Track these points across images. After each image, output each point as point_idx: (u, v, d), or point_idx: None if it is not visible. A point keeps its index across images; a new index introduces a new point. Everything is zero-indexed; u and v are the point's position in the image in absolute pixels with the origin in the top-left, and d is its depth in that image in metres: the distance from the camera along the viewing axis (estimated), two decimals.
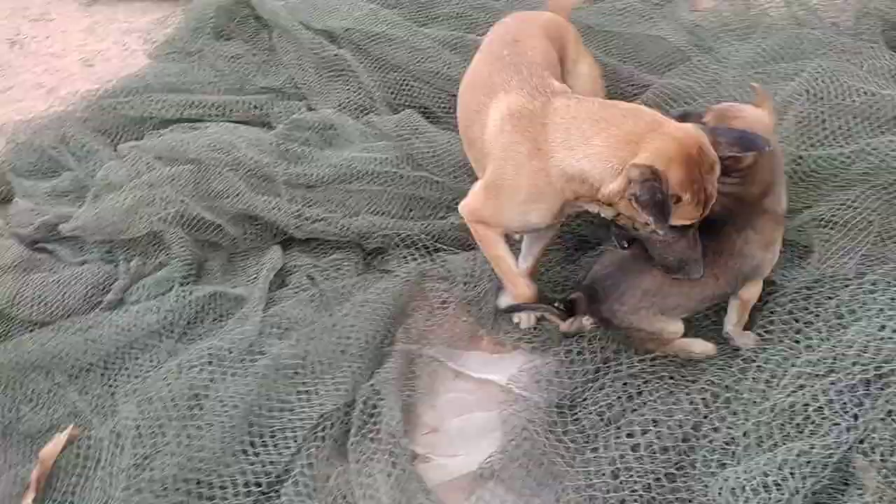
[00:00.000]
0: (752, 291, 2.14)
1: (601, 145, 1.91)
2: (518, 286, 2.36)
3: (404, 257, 2.79)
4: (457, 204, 2.80)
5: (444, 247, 2.82)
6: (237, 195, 2.86)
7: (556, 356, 2.38)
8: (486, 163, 2.20)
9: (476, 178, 2.37)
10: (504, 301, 2.55)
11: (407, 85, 3.45)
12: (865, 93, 2.64)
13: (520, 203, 2.12)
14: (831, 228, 2.28)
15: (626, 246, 2.08)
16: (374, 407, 2.23)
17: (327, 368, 2.31)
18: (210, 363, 2.28)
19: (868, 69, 2.88)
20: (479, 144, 2.25)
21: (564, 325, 2.26)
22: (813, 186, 2.46)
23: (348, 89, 3.50)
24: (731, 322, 2.19)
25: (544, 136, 2.00)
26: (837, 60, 2.92)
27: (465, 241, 2.82)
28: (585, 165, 1.93)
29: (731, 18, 3.78)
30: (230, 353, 2.31)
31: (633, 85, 3.22)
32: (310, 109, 3.50)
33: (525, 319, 2.58)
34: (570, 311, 2.22)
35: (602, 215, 2.09)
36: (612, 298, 2.08)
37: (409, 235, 2.81)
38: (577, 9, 3.69)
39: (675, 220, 1.87)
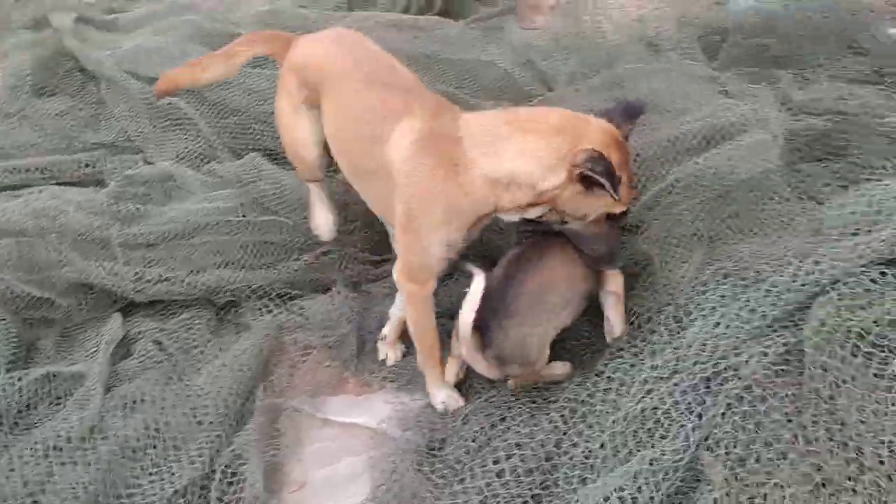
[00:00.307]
0: (618, 282, 2.22)
1: (531, 144, 1.92)
2: (436, 368, 2.31)
3: (259, 309, 2.69)
4: (309, 245, 2.77)
5: (300, 292, 2.74)
6: (67, 264, 2.65)
7: (423, 393, 2.36)
8: (391, 194, 2.13)
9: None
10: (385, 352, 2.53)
11: (248, 128, 3.37)
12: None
13: (438, 225, 2.05)
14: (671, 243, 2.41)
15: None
16: (235, 474, 2.10)
17: (182, 442, 2.17)
18: (47, 455, 2.08)
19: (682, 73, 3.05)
20: (380, 176, 2.16)
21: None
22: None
23: (186, 138, 3.37)
24: (618, 323, 2.24)
25: (460, 150, 1.97)
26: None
27: (320, 284, 2.76)
28: (516, 166, 1.93)
29: (561, 35, 3.94)
30: (69, 441, 2.12)
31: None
32: (147, 163, 3.34)
33: (391, 356, 2.54)
34: None
35: (526, 217, 2.10)
36: (500, 314, 2.06)
37: (260, 286, 2.72)
38: (416, 38, 3.76)
39: (609, 206, 2.00)
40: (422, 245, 2.09)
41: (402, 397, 2.44)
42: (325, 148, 2.53)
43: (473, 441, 2.04)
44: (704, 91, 3.04)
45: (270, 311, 2.67)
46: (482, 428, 2.07)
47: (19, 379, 2.32)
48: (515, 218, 2.11)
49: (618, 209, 2.04)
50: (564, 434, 1.97)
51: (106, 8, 4.87)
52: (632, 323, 2.18)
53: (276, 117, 2.64)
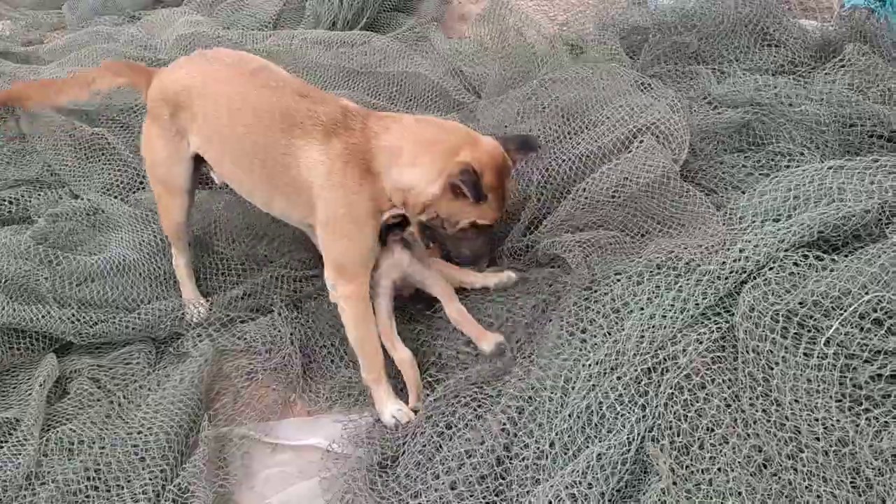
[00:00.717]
0: (473, 278, 2.54)
1: (428, 163, 2.20)
2: (381, 381, 2.34)
3: (198, 335, 2.63)
4: (240, 266, 2.73)
5: (240, 316, 2.70)
6: None
7: (373, 409, 2.35)
8: (301, 199, 2.28)
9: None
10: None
11: None
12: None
13: (364, 222, 2.25)
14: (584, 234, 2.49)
15: (429, 245, 2.48)
16: None
17: (124, 481, 2.10)
18: None
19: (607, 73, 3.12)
20: (293, 183, 2.26)
21: None
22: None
23: (112, 169, 3.28)
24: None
25: (373, 160, 2.21)
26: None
27: (258, 307, 2.72)
28: (415, 179, 2.21)
29: (487, 43, 3.99)
30: (5, 490, 2.03)
31: None
32: (73, 196, 3.24)
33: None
34: None
35: (421, 219, 2.35)
36: None
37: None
38: (343, 53, 3.76)
39: (478, 216, 2.27)
40: (351, 242, 2.26)
41: (351, 415, 2.42)
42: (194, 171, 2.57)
43: (422, 453, 2.03)
44: (625, 93, 3.10)
45: (210, 337, 2.62)
46: (431, 438, 2.06)
47: None
48: (423, 218, 2.33)
49: (484, 220, 2.30)
50: (515, 436, 1.98)
51: (23, 40, 4.74)
52: (575, 315, 2.20)
53: (147, 150, 2.57)
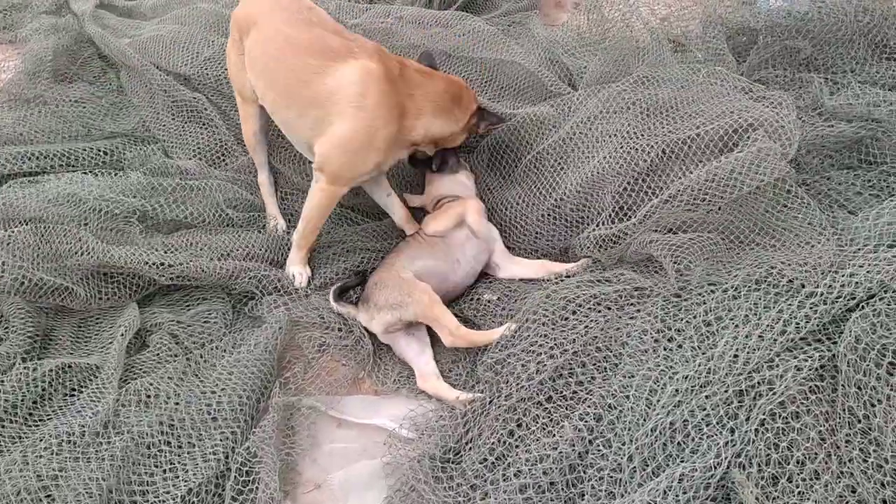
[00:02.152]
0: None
1: (452, 116, 2.71)
2: (303, 250, 2.78)
3: (274, 303, 2.65)
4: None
5: (317, 291, 2.71)
6: (86, 252, 2.60)
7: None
8: (322, 118, 2.52)
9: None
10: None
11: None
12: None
13: (378, 149, 2.53)
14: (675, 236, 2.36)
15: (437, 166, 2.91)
16: (249, 473, 2.07)
17: (196, 439, 2.13)
18: (60, 449, 2.04)
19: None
20: (312, 103, 2.53)
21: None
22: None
23: (205, 134, 3.33)
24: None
25: (411, 103, 2.57)
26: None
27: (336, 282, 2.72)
28: (443, 128, 2.71)
29: (586, 33, 3.86)
30: (83, 435, 2.08)
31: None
32: (166, 155, 3.30)
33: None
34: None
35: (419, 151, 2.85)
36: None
37: (277, 279, 2.70)
38: (437, 34, 3.70)
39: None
40: (357, 161, 2.55)
41: (419, 399, 2.40)
42: None
43: (492, 452, 1.98)
44: (726, 95, 2.95)
45: (286, 306, 2.63)
46: (501, 437, 2.00)
47: (34, 370, 2.28)
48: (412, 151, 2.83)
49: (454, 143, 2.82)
50: (590, 443, 1.91)
51: None
52: (662, 321, 2.12)
53: (228, 64, 2.99)
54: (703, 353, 1.97)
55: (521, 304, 2.47)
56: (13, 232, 2.58)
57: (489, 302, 2.65)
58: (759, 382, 1.84)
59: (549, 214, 2.75)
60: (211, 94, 3.45)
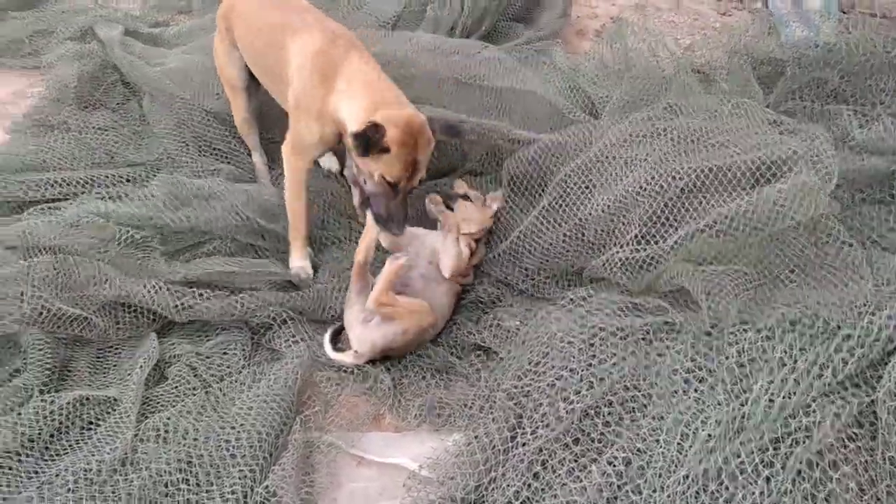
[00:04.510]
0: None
1: (360, 105, 2.53)
2: (299, 241, 2.88)
3: (292, 335, 2.62)
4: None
5: (336, 322, 2.68)
6: (105, 281, 2.59)
7: (461, 434, 2.27)
8: (286, 87, 2.76)
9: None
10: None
11: None
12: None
13: (314, 119, 2.65)
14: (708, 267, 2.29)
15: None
16: None
17: (215, 477, 2.09)
18: (77, 486, 2.01)
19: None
20: (279, 73, 2.80)
21: None
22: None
23: (229, 163, 3.35)
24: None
25: (337, 81, 2.60)
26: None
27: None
28: (345, 113, 2.56)
29: (609, 62, 3.84)
30: (100, 472, 2.05)
31: (510, 141, 3.18)
32: (195, 176, 3.29)
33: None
34: None
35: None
36: None
37: (297, 311, 2.69)
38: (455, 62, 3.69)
39: (385, 171, 2.49)
40: (304, 126, 2.70)
41: (441, 436, 2.35)
42: (249, 79, 3.18)
43: (517, 497, 1.92)
44: (756, 127, 2.90)
45: (304, 340, 2.61)
46: (525, 481, 1.94)
47: (52, 402, 2.25)
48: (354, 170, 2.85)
49: (390, 176, 2.49)
50: (619, 489, 1.85)
51: (151, 21, 4.89)
52: (692, 360, 2.05)
53: (215, 56, 3.24)
54: (737, 397, 1.91)
55: (545, 328, 2.41)
56: (33, 262, 2.58)
57: (511, 328, 2.60)
58: (795, 429, 1.78)
59: (570, 235, 2.70)
60: (236, 133, 3.46)
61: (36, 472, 2.13)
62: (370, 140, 2.40)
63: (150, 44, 4.31)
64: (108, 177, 3.26)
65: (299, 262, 2.88)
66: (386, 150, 2.44)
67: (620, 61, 3.84)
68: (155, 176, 3.30)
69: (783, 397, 1.82)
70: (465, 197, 2.96)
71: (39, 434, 2.20)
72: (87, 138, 3.52)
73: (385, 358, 2.62)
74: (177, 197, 2.98)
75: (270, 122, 3.42)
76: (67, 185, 3.20)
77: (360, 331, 2.56)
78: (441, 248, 2.78)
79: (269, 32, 2.84)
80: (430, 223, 3.00)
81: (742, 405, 1.85)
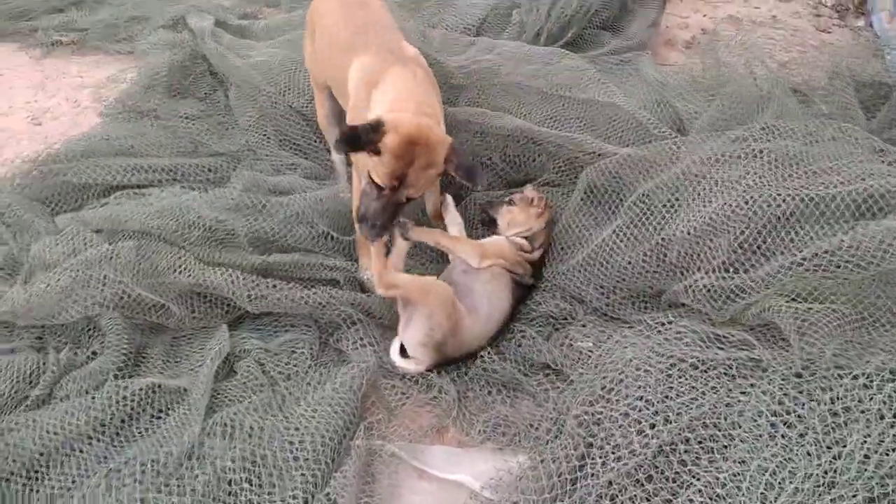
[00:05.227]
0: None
1: (381, 108, 2.45)
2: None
3: (360, 338, 2.60)
4: None
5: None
6: (184, 270, 2.63)
7: (526, 455, 2.20)
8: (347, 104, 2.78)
9: None
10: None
11: None
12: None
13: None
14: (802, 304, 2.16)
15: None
16: None
17: (277, 479, 2.08)
18: (143, 477, 2.04)
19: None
20: (343, 91, 2.78)
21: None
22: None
23: (307, 159, 3.37)
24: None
25: (375, 91, 2.55)
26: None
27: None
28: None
29: (699, 75, 3.70)
30: (166, 465, 2.07)
31: (591, 154, 3.10)
32: (276, 171, 3.34)
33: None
34: None
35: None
36: None
37: (366, 311, 2.67)
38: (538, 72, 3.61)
39: (372, 171, 2.40)
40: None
41: (504, 456, 2.29)
42: None
43: None
44: (860, 156, 2.72)
45: (371, 345, 2.59)
46: None
47: (125, 388, 2.30)
48: None
49: (376, 177, 2.40)
50: None
51: (240, 13, 4.97)
52: (780, 403, 1.93)
53: (304, 53, 3.26)
54: (829, 449, 1.78)
55: (619, 353, 2.32)
56: (116, 247, 2.64)
57: (583, 350, 2.52)
58: (893, 490, 1.64)
59: (650, 254, 2.57)
60: (317, 130, 3.47)
61: (105, 458, 2.18)
62: (360, 137, 2.32)
63: (237, 35, 4.39)
64: (191, 166, 3.33)
65: (368, 267, 2.84)
66: (378, 152, 2.35)
67: (712, 76, 3.69)
68: (236, 168, 3.35)
69: (880, 454, 1.69)
70: (510, 202, 2.92)
71: (111, 419, 2.25)
72: (174, 126, 3.60)
73: (452, 364, 2.60)
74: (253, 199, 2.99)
75: None
76: (153, 171, 3.27)
77: (403, 336, 2.56)
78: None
79: (339, 50, 2.81)
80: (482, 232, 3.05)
81: (835, 459, 1.72)
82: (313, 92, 3.27)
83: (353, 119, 2.68)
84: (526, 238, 2.85)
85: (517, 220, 2.88)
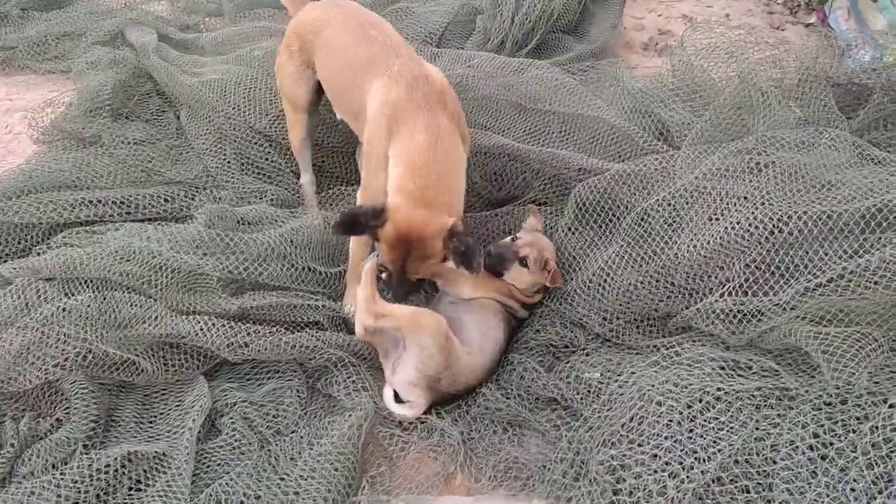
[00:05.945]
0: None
1: (396, 173, 2.38)
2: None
3: (352, 382, 2.41)
4: None
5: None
6: (153, 319, 2.38)
7: (543, 499, 2.08)
8: (363, 123, 2.60)
9: None
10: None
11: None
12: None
13: (377, 168, 2.49)
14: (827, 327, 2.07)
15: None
16: None
17: None
18: None
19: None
20: (360, 112, 2.63)
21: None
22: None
23: (272, 183, 3.15)
24: None
25: (395, 133, 2.43)
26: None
27: None
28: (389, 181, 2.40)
29: (679, 83, 3.61)
30: None
31: (578, 171, 2.98)
32: (238, 199, 3.09)
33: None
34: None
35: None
36: None
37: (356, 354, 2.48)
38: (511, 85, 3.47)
39: (382, 251, 2.39)
40: (373, 173, 2.53)
41: (519, 502, 2.14)
42: (314, 95, 2.99)
43: None
44: (861, 166, 2.67)
45: (366, 389, 2.40)
46: None
47: (97, 459, 2.05)
48: None
49: (383, 258, 2.42)
50: None
51: (181, 24, 4.67)
52: (815, 436, 1.83)
53: (277, 70, 3.04)
54: (874, 484, 1.69)
55: (632, 384, 2.20)
56: (75, 300, 2.36)
57: (592, 381, 2.38)
58: None
59: (655, 276, 2.46)
60: (281, 152, 3.27)
61: None
62: (359, 223, 2.31)
63: (182, 50, 4.09)
64: (144, 196, 3.04)
65: (352, 303, 2.68)
66: (378, 238, 2.34)
67: (685, 79, 3.60)
68: (194, 196, 3.10)
69: None
70: (523, 262, 2.67)
71: (85, 496, 2.00)
72: (121, 153, 3.29)
73: (451, 402, 2.45)
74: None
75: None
76: (103, 205, 2.97)
77: (392, 381, 2.40)
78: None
79: (354, 70, 2.67)
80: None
81: (889, 497, 1.63)
82: (285, 112, 3.08)
83: (368, 153, 2.56)
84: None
85: (525, 280, 2.68)
